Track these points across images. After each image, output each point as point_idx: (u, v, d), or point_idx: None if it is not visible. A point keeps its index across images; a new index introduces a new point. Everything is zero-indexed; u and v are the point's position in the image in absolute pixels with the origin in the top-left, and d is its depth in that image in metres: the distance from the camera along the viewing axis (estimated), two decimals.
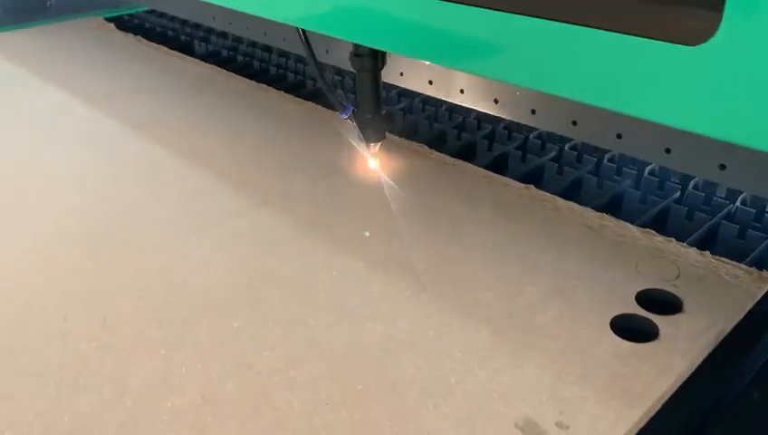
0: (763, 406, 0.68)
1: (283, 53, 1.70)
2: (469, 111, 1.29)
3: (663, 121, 0.54)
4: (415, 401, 0.66)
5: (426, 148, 1.17)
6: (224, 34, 1.88)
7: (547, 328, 0.75)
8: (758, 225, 0.97)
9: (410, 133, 1.26)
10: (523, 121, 1.01)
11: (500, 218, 0.96)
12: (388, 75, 1.14)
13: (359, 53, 0.90)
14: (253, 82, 1.52)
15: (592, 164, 1.15)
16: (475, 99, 1.05)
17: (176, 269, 0.87)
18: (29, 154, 1.21)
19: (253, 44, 1.80)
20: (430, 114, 1.37)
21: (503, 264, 0.87)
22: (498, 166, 1.16)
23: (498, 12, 0.59)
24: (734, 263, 0.84)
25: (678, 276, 0.82)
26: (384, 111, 0.97)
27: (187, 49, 1.82)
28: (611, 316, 0.76)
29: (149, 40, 1.85)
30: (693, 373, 0.69)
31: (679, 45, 0.49)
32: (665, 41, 0.50)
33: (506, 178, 1.07)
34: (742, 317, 0.76)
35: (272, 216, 0.98)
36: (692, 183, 1.05)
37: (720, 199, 1.02)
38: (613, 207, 1.03)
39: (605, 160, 1.15)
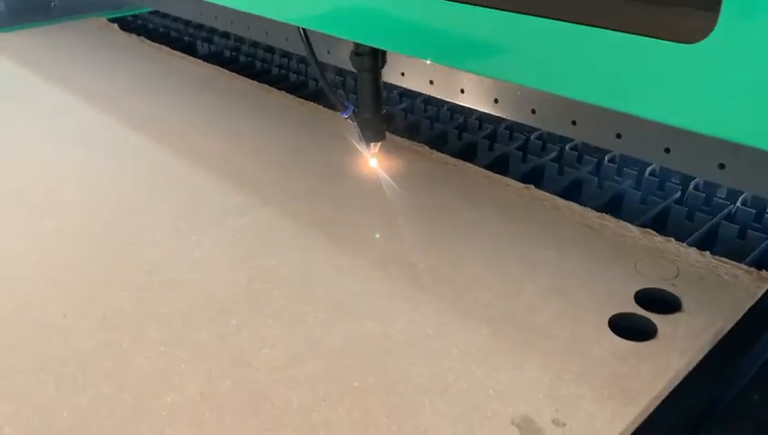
0: (761, 406, 0.68)
1: (286, 54, 1.71)
2: (471, 111, 1.29)
3: (661, 120, 0.54)
4: (413, 399, 0.66)
5: (426, 148, 1.17)
6: (226, 35, 1.89)
7: (546, 327, 0.75)
8: (758, 225, 0.97)
9: (412, 133, 1.27)
10: (523, 121, 1.01)
11: (500, 218, 0.96)
12: (390, 75, 1.14)
13: (359, 52, 0.90)
14: (255, 82, 1.52)
15: (593, 164, 1.15)
16: (475, 99, 1.05)
17: (176, 267, 0.87)
18: (31, 153, 1.21)
19: (255, 45, 1.80)
20: (432, 114, 1.37)
21: (502, 263, 0.87)
22: (499, 166, 1.16)
23: (498, 11, 0.59)
24: (734, 263, 0.84)
25: (678, 276, 0.82)
26: (384, 111, 0.97)
27: (189, 49, 1.83)
28: (610, 316, 0.77)
29: (152, 40, 1.85)
30: (691, 372, 0.69)
31: (677, 43, 0.50)
32: (662, 39, 0.50)
33: (507, 178, 1.07)
34: (741, 317, 0.76)
35: (272, 215, 0.99)
36: (692, 184, 1.06)
37: (720, 200, 1.02)
38: (614, 207, 1.04)
39: (606, 161, 1.15)
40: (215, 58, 1.76)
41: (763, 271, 0.83)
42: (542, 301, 0.79)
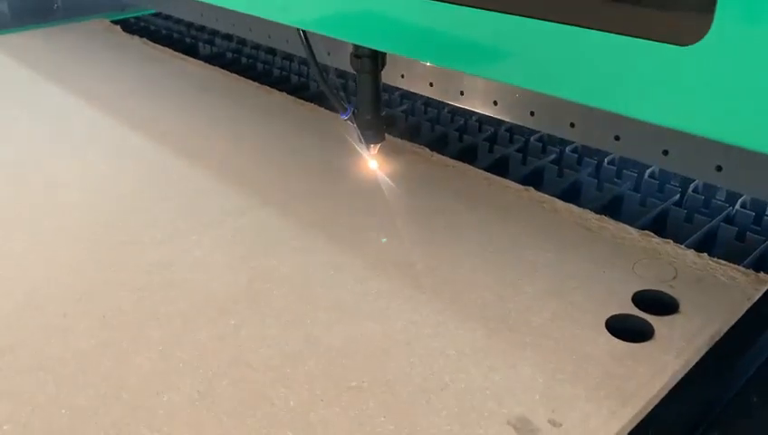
0: (759, 407, 0.68)
1: (287, 56, 1.71)
2: (471, 113, 1.30)
3: (657, 122, 0.54)
4: (410, 399, 0.66)
5: (426, 150, 1.17)
6: (228, 37, 1.89)
7: (543, 328, 0.76)
8: (757, 228, 0.97)
9: (413, 135, 1.27)
10: (521, 123, 1.01)
11: (499, 220, 0.97)
12: (389, 77, 1.15)
13: (359, 54, 0.91)
14: (256, 83, 1.53)
15: (592, 167, 1.15)
16: (474, 101, 1.06)
17: (176, 267, 0.87)
18: (33, 152, 1.22)
19: (257, 47, 1.81)
20: (432, 116, 1.37)
21: (501, 264, 0.87)
22: (499, 168, 1.17)
23: (495, 13, 0.59)
24: (732, 265, 0.84)
25: (675, 278, 0.83)
26: (384, 113, 0.98)
27: (191, 51, 1.84)
28: (607, 317, 0.77)
29: (155, 42, 1.86)
30: (688, 373, 0.69)
31: (672, 46, 0.50)
32: (658, 41, 0.50)
33: (506, 180, 1.08)
34: (738, 318, 0.76)
35: (272, 215, 0.99)
36: (692, 186, 1.06)
37: (719, 202, 1.02)
38: (613, 209, 1.04)
39: (605, 163, 1.15)
40: (216, 60, 1.77)
41: (762, 273, 0.83)
42: (541, 302, 0.80)
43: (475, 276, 0.84)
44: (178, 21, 2.06)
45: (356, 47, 0.91)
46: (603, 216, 0.96)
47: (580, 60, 0.55)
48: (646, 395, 0.66)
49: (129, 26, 2.07)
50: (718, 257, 0.86)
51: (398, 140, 1.21)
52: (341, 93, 0.97)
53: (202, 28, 1.98)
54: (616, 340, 0.73)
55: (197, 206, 1.02)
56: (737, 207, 1.00)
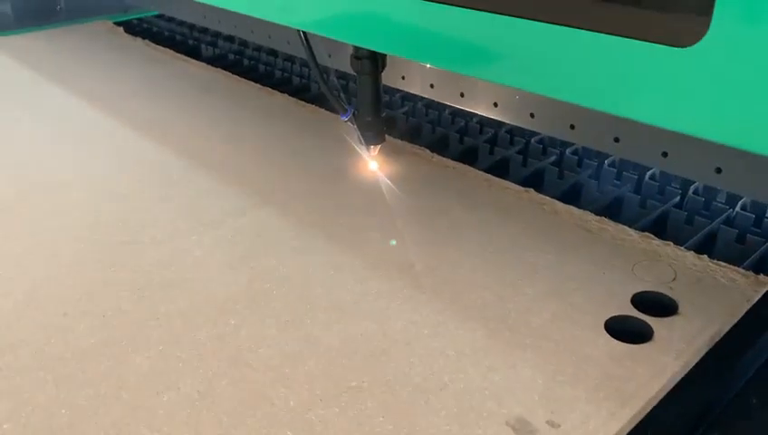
0: (759, 409, 0.68)
1: (289, 57, 1.72)
2: (472, 115, 1.30)
3: (655, 123, 0.54)
4: (409, 399, 0.66)
5: (427, 151, 1.18)
6: (230, 38, 1.90)
7: (543, 329, 0.76)
8: (757, 230, 0.97)
9: (413, 137, 1.27)
10: (521, 125, 1.01)
11: (499, 221, 0.97)
12: (390, 79, 1.15)
13: (359, 55, 0.91)
14: (258, 85, 1.53)
15: (593, 168, 1.15)
16: (474, 102, 1.06)
17: (176, 267, 0.88)
18: (34, 152, 1.22)
19: (258, 48, 1.81)
20: (433, 118, 1.37)
21: (501, 265, 0.87)
22: (499, 169, 1.17)
23: (495, 15, 0.60)
24: (731, 266, 0.85)
25: (675, 279, 0.83)
26: (384, 114, 0.98)
27: (194, 53, 1.84)
28: (607, 318, 0.77)
29: (157, 44, 1.87)
30: (687, 375, 0.69)
31: (670, 47, 0.50)
32: (656, 43, 0.51)
33: (507, 181, 1.08)
34: (738, 320, 0.76)
35: (272, 215, 0.99)
36: (692, 188, 1.06)
37: (720, 204, 1.02)
38: (613, 211, 1.04)
39: (605, 165, 1.15)
40: (218, 61, 1.77)
41: (761, 275, 0.83)
42: (540, 303, 0.80)
43: (475, 277, 0.85)
44: (181, 23, 2.06)
45: (356, 49, 0.91)
46: (603, 217, 0.96)
47: (579, 62, 0.56)
48: (645, 396, 0.66)
49: (132, 28, 2.07)
50: (718, 259, 0.86)
51: (399, 142, 1.21)
52: (341, 95, 0.97)
53: (204, 30, 1.98)
54: (615, 341, 0.73)
55: (198, 206, 1.02)
56: (737, 209, 1.00)
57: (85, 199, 1.06)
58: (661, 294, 0.80)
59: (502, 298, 0.81)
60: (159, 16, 2.14)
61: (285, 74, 1.67)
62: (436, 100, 1.13)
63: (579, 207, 0.99)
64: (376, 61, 0.92)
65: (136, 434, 0.63)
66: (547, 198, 1.02)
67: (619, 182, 1.12)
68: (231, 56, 1.82)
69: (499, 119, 1.04)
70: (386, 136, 1.02)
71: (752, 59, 0.46)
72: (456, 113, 1.36)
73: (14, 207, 1.04)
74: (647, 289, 0.81)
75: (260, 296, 0.82)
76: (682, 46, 0.49)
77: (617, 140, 0.89)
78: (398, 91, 1.40)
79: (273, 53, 1.77)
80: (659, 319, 0.76)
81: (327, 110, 1.35)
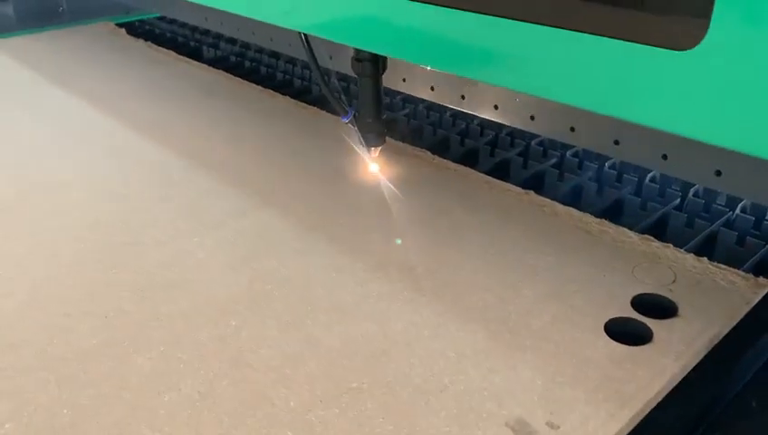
0: (758, 410, 0.68)
1: (290, 60, 1.72)
2: (472, 117, 1.30)
3: (655, 126, 0.54)
4: (409, 400, 0.67)
5: (428, 153, 1.18)
6: (232, 41, 1.90)
7: (543, 331, 0.76)
8: (757, 232, 0.97)
9: (415, 139, 1.28)
10: (522, 127, 1.02)
11: (500, 223, 0.97)
12: (391, 81, 1.15)
13: (359, 57, 0.91)
14: (259, 87, 1.53)
15: (593, 171, 1.16)
16: (475, 105, 1.06)
17: (177, 268, 0.88)
18: (35, 152, 1.23)
19: (260, 51, 1.82)
20: (434, 120, 1.38)
21: (502, 267, 0.87)
22: (500, 172, 1.17)
23: (495, 18, 0.60)
24: (731, 269, 0.85)
25: (674, 281, 0.83)
26: (384, 116, 0.98)
27: (195, 54, 1.85)
28: (607, 320, 0.77)
29: (159, 45, 1.87)
30: (686, 376, 0.70)
31: (669, 50, 0.50)
32: (654, 46, 0.51)
33: (507, 183, 1.08)
34: (737, 322, 0.77)
35: (273, 217, 1.00)
36: (692, 190, 1.06)
37: (720, 207, 1.03)
38: (613, 213, 1.04)
39: (606, 167, 1.16)
40: (220, 63, 1.78)
41: (761, 277, 0.83)
42: (541, 305, 0.80)
43: (476, 279, 0.85)
44: (183, 24, 2.07)
45: (357, 51, 0.92)
46: (603, 220, 0.96)
47: (578, 65, 0.56)
48: (644, 398, 0.66)
49: (134, 29, 2.08)
50: (718, 262, 0.86)
51: (400, 144, 1.21)
52: (342, 97, 0.97)
53: (206, 32, 1.99)
54: (615, 343, 0.74)
55: (199, 207, 1.03)
56: (737, 211, 1.00)
57: (85, 199, 1.06)
58: (661, 296, 0.80)
59: (502, 300, 0.81)
60: (161, 18, 2.15)
61: (287, 76, 1.67)
62: (436, 102, 1.13)
63: (579, 209, 0.99)
64: (377, 63, 0.92)
65: (137, 434, 0.64)
66: (547, 200, 1.02)
67: (619, 184, 1.12)
68: (233, 58, 1.82)
69: (500, 121, 1.04)
70: (387, 138, 1.03)
71: (751, 61, 0.46)
72: (457, 116, 1.37)
73: (14, 207, 1.04)
74: (646, 291, 0.81)
75: (261, 297, 0.82)
76: (681, 49, 0.49)
77: (617, 142, 0.90)
78: (399, 93, 1.40)
79: (275, 55, 1.77)
80: (659, 321, 0.76)
81: (328, 112, 1.35)
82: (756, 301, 0.80)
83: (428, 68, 1.09)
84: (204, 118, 1.37)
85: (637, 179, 1.11)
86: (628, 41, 0.52)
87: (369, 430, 0.63)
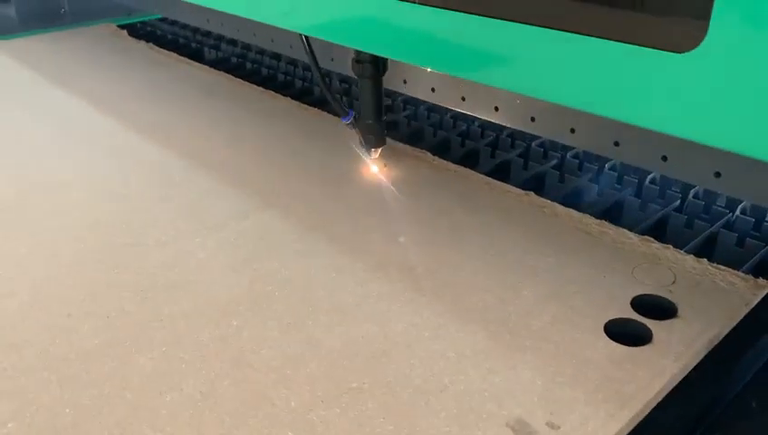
0: (758, 411, 0.68)
1: (291, 61, 1.72)
2: (473, 118, 1.31)
3: (655, 128, 0.55)
4: (409, 400, 0.67)
5: (428, 154, 1.18)
6: (233, 42, 1.91)
7: (543, 331, 0.76)
8: (756, 233, 0.97)
9: (415, 140, 1.28)
10: (522, 129, 1.02)
11: (500, 224, 0.97)
12: (392, 83, 1.16)
13: (360, 59, 0.92)
14: (260, 88, 1.54)
15: (593, 172, 1.16)
16: (475, 106, 1.06)
17: (179, 269, 0.88)
18: (36, 152, 1.23)
19: (261, 52, 1.82)
20: (434, 121, 1.38)
21: (502, 268, 0.88)
22: (500, 173, 1.18)
23: (496, 20, 0.60)
24: (731, 270, 0.85)
25: (674, 282, 0.83)
26: (385, 117, 0.99)
27: (197, 56, 1.85)
28: (606, 321, 0.77)
29: (161, 47, 1.87)
30: (686, 377, 0.70)
31: (668, 53, 0.51)
32: (654, 48, 0.51)
33: (507, 184, 1.08)
34: (737, 323, 0.77)
35: (274, 218, 1.00)
36: (692, 192, 1.06)
37: (719, 208, 1.03)
38: (613, 214, 1.04)
39: (606, 169, 1.16)
40: (221, 64, 1.78)
41: (760, 278, 0.83)
42: (541, 305, 0.80)
43: (476, 279, 0.85)
44: (184, 26, 2.07)
45: (357, 52, 0.92)
46: (603, 221, 0.96)
47: (578, 66, 0.56)
48: (644, 398, 0.66)
49: (136, 31, 2.08)
50: (718, 263, 0.87)
51: (401, 145, 1.21)
52: (343, 98, 0.98)
53: (207, 33, 1.99)
54: (615, 344, 0.74)
55: (201, 208, 1.03)
56: (737, 213, 1.00)
57: (85, 200, 1.06)
58: (661, 297, 0.81)
59: (502, 301, 0.81)
60: (163, 20, 2.15)
61: (288, 78, 1.68)
62: (437, 103, 1.14)
63: (579, 210, 1.00)
64: (377, 65, 0.93)
65: (139, 434, 0.64)
66: (548, 201, 1.02)
67: (619, 186, 1.12)
68: (234, 59, 1.83)
69: (500, 122, 1.04)
70: (387, 139, 1.03)
71: (750, 63, 0.47)
72: (458, 117, 1.37)
73: (15, 207, 1.05)
74: (646, 292, 0.82)
75: (262, 298, 0.82)
76: (680, 51, 0.50)
77: (617, 144, 0.90)
78: (400, 94, 1.40)
79: (276, 56, 1.77)
80: (659, 322, 0.76)
81: (329, 113, 1.36)
82: (756, 302, 0.80)
83: (429, 70, 1.10)
84: (205, 119, 1.37)
85: (637, 181, 1.11)
86: (628, 43, 0.52)
87: (370, 430, 0.63)
